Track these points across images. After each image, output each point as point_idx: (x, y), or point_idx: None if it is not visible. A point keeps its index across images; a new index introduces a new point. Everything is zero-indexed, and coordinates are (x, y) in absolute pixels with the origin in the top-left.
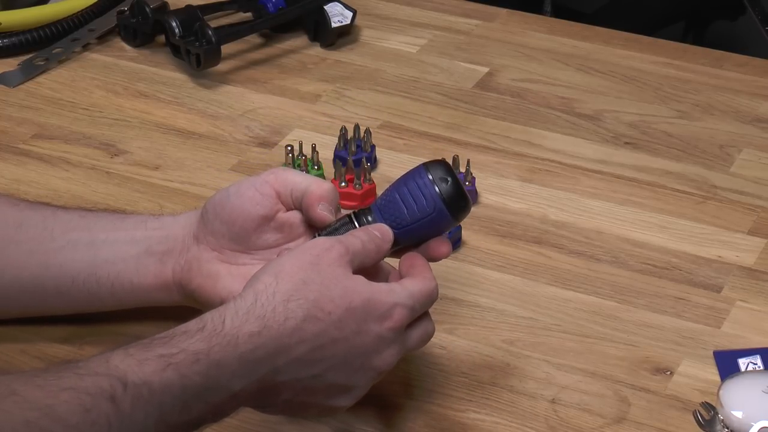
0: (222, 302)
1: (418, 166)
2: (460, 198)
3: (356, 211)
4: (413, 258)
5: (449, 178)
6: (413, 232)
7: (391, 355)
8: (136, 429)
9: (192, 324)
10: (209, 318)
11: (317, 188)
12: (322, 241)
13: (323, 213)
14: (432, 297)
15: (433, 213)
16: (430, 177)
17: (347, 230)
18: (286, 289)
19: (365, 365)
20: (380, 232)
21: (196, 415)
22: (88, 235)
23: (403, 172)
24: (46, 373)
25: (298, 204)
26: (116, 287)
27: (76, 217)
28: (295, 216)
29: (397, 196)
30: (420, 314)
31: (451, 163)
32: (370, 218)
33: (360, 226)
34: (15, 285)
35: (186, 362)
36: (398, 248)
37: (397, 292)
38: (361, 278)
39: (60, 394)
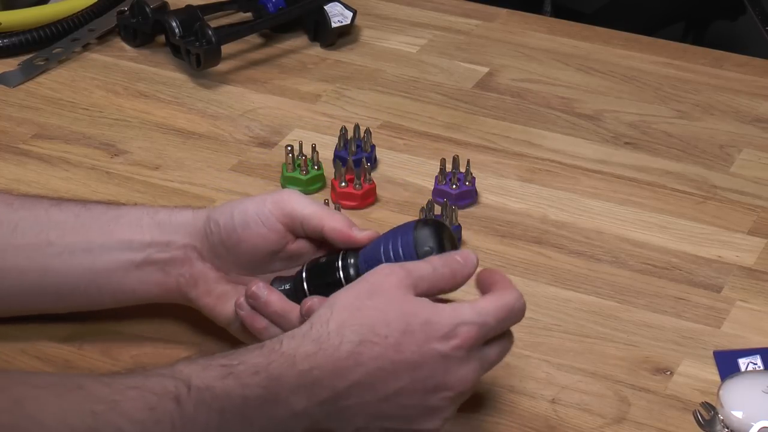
0: (231, 319)
1: (408, 224)
2: None
3: (345, 251)
4: (491, 274)
5: (432, 246)
6: None
7: (467, 373)
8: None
9: (252, 344)
10: (268, 341)
11: (333, 222)
12: (382, 267)
13: (362, 235)
14: (512, 310)
15: None
16: (414, 241)
17: (331, 263)
18: (340, 317)
19: (439, 386)
20: (463, 258)
21: (258, 430)
22: (84, 240)
23: (403, 172)
24: (112, 374)
25: (311, 234)
26: (118, 294)
27: (71, 218)
28: (304, 245)
29: (381, 249)
30: (500, 330)
31: (451, 163)
32: (352, 261)
33: (341, 264)
34: (16, 290)
35: (246, 373)
36: None
37: (462, 311)
38: (422, 300)
39: (126, 391)
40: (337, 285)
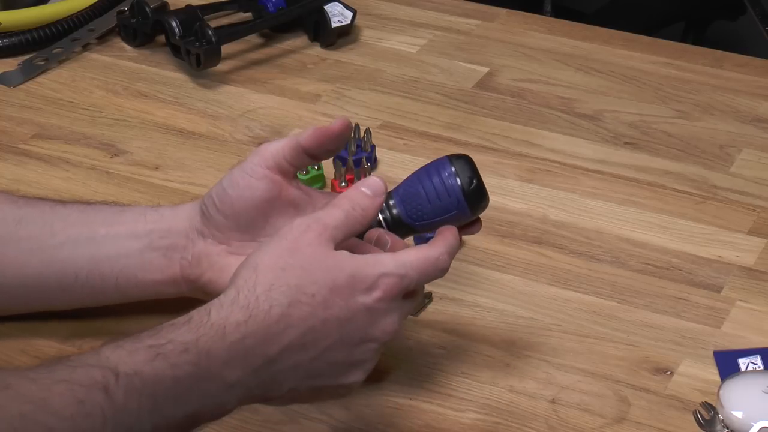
0: None
1: (443, 159)
2: (483, 197)
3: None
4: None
5: (474, 178)
6: (433, 225)
7: (389, 324)
8: (130, 420)
9: (179, 318)
10: (195, 312)
11: (306, 132)
12: (298, 222)
13: (336, 124)
14: (434, 265)
15: (456, 211)
16: (457, 175)
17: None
18: (267, 280)
19: (364, 338)
20: (370, 188)
21: (193, 409)
22: (87, 231)
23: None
24: (38, 367)
25: (298, 161)
26: (120, 283)
27: (75, 212)
28: (299, 196)
29: (421, 189)
30: (420, 283)
31: None
32: (392, 202)
33: (381, 213)
34: (18, 282)
35: (175, 352)
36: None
37: (384, 263)
38: (344, 254)
39: (53, 387)
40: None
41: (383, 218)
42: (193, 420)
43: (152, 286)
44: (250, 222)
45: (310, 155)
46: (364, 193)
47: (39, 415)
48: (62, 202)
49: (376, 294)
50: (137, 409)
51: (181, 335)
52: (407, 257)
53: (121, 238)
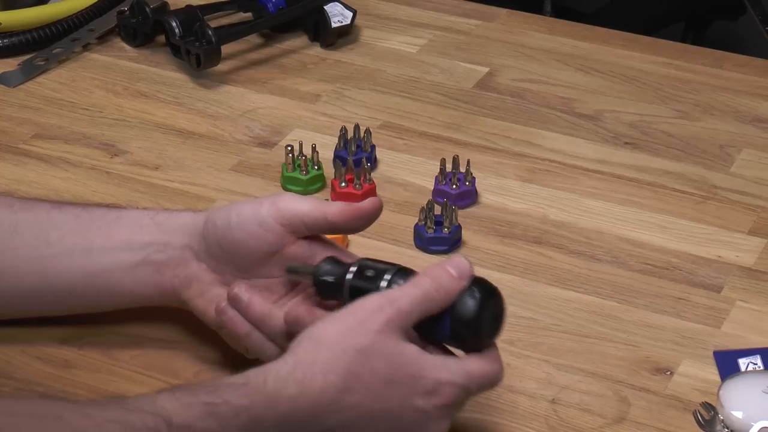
0: (221, 323)
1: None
2: (476, 333)
3: (400, 268)
4: None
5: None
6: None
7: (441, 428)
8: None
9: (236, 378)
10: (252, 375)
11: (334, 206)
12: (372, 301)
13: (368, 204)
14: (493, 381)
15: (441, 335)
16: (461, 312)
17: (380, 273)
18: (326, 358)
19: None
20: (456, 269)
21: None
22: (83, 241)
23: (403, 172)
24: (92, 404)
25: (314, 229)
26: (115, 295)
27: (70, 219)
28: (301, 249)
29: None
30: (475, 395)
31: (451, 163)
32: (401, 282)
33: (389, 277)
34: (13, 291)
35: (228, 414)
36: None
37: (451, 369)
38: (411, 349)
39: (106, 425)
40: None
41: (350, 284)
42: None
43: (145, 299)
44: (247, 265)
45: (333, 229)
46: (450, 274)
47: None
48: (59, 204)
49: (435, 401)
50: None
51: (236, 399)
52: (474, 368)
53: (116, 251)
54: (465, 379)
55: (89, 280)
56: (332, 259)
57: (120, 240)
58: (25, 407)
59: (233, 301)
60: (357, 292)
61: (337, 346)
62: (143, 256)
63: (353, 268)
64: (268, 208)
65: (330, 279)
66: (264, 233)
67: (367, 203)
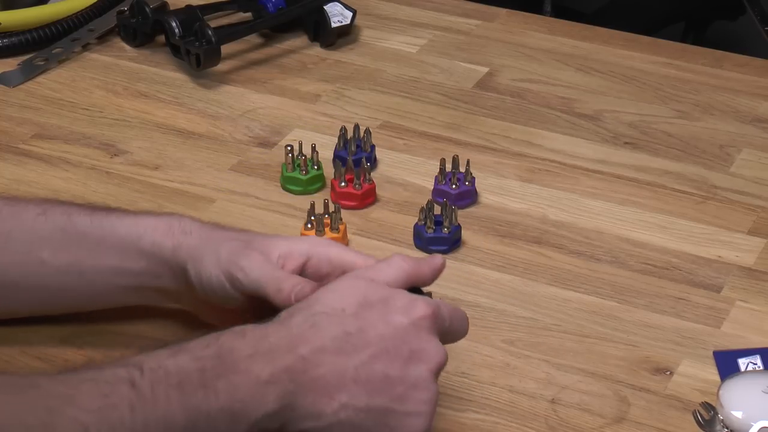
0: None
1: None
2: None
3: None
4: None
5: None
6: None
7: (434, 347)
8: (160, 410)
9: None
10: (214, 333)
11: (276, 285)
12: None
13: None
14: (462, 318)
15: None
16: None
17: None
18: (298, 307)
19: (414, 354)
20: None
21: (228, 403)
22: (75, 261)
23: (403, 172)
24: (66, 371)
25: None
26: (118, 304)
27: (57, 233)
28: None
29: None
30: (448, 328)
31: (450, 163)
32: None
33: None
34: (13, 296)
35: (197, 347)
36: None
37: (417, 296)
38: (378, 282)
39: (80, 385)
40: None
41: None
42: (232, 418)
43: (149, 304)
44: (223, 319)
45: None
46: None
47: (66, 408)
48: (43, 210)
49: (415, 313)
50: (166, 400)
51: (202, 339)
52: (443, 304)
53: (109, 274)
54: (433, 303)
55: (90, 296)
56: None
57: (111, 266)
58: (2, 379)
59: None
60: None
61: (311, 299)
62: (139, 283)
63: None
64: (230, 283)
65: None
66: (229, 300)
67: (306, 290)
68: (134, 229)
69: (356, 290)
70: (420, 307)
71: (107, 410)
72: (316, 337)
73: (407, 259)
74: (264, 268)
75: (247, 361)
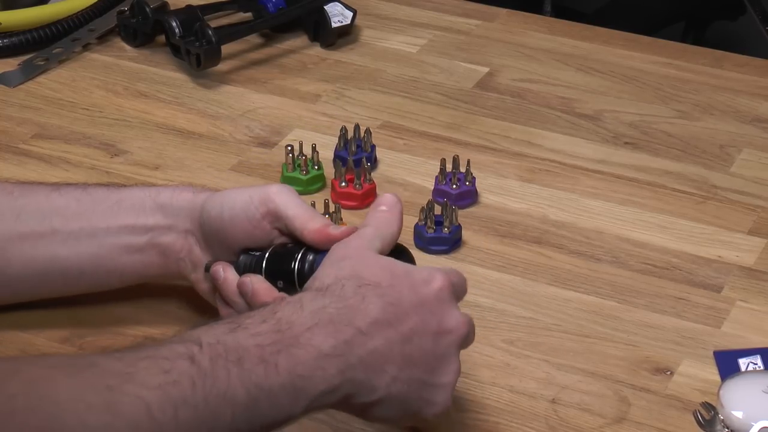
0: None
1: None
2: None
3: (308, 247)
4: None
5: None
6: None
7: (456, 317)
8: (221, 385)
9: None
10: (268, 306)
11: (313, 224)
12: (337, 243)
13: (338, 231)
14: (464, 284)
15: None
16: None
17: (291, 253)
18: (328, 274)
19: (441, 326)
20: (387, 206)
21: (289, 378)
22: (88, 226)
23: (403, 172)
24: (123, 350)
25: (293, 235)
26: (124, 275)
27: (72, 202)
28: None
29: None
30: (460, 291)
31: (451, 163)
32: (310, 257)
33: (300, 257)
34: (23, 276)
35: (254, 323)
36: None
37: (428, 268)
38: (390, 258)
39: (138, 362)
40: (289, 274)
41: (297, 268)
42: (294, 393)
43: (154, 277)
44: (229, 248)
45: (305, 242)
46: (384, 213)
47: (126, 386)
48: (57, 187)
49: (435, 284)
50: (226, 373)
51: (257, 314)
52: (448, 269)
53: (121, 234)
54: (445, 270)
55: (98, 262)
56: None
57: (124, 224)
58: (59, 360)
59: (213, 277)
60: (276, 255)
61: (332, 264)
62: (148, 239)
63: (267, 255)
64: (258, 205)
65: (247, 262)
66: (253, 229)
67: (341, 233)
68: (153, 188)
69: (382, 261)
70: (438, 278)
71: (168, 387)
72: (368, 308)
73: (373, 223)
74: (298, 200)
75: (307, 333)
